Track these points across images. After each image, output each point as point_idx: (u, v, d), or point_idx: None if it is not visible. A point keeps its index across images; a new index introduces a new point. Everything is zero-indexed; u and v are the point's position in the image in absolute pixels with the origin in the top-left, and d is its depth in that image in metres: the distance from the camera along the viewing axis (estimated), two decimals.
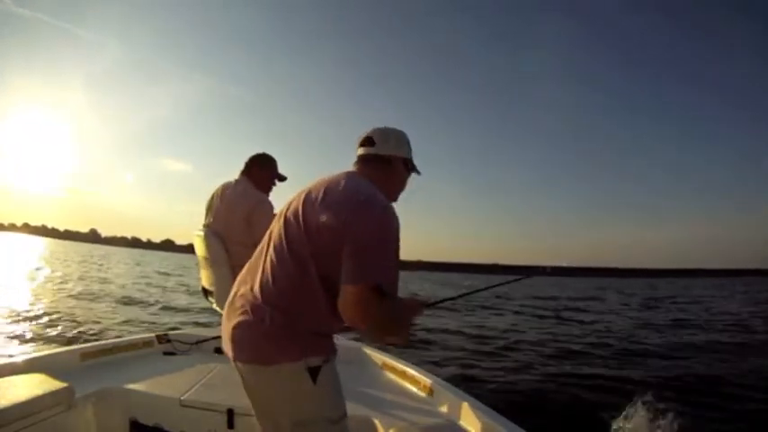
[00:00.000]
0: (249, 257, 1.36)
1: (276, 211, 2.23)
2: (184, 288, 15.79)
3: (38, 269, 19.75)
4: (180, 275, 23.57)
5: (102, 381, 1.95)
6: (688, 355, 7.00)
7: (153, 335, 2.64)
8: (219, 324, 1.34)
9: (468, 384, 4.31)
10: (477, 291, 2.26)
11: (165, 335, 2.68)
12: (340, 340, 1.30)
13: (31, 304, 9.19)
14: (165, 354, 2.53)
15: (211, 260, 2.25)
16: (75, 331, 6.75)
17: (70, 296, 11.11)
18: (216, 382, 2.04)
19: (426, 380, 2.11)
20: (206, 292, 2.44)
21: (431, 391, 2.04)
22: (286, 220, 1.26)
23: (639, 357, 6.83)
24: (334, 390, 1.23)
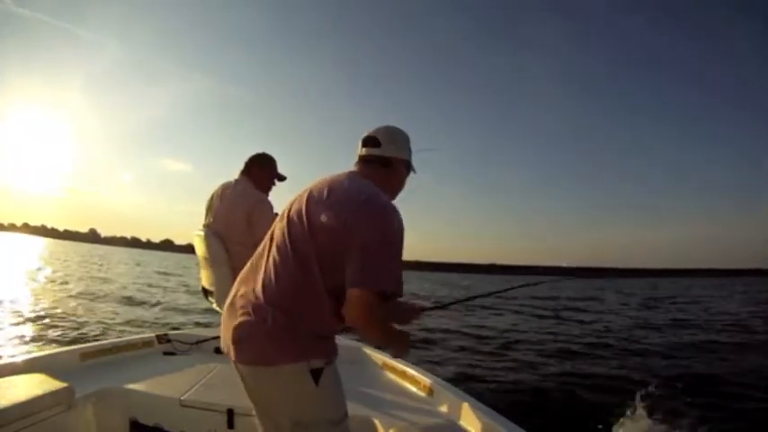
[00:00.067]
0: (249, 257, 1.36)
1: (277, 210, 2.24)
2: (184, 288, 15.78)
3: (38, 269, 19.74)
4: (180, 275, 23.56)
5: (102, 381, 1.94)
6: (688, 355, 7.01)
7: (153, 335, 2.64)
8: (219, 324, 1.33)
9: (468, 384, 4.32)
10: (479, 296, 2.24)
11: (165, 335, 2.68)
12: (340, 340, 1.30)
13: (31, 304, 9.18)
14: (165, 354, 2.53)
15: (211, 260, 2.25)
16: (74, 331, 6.74)
17: (70, 296, 11.11)
18: (216, 382, 2.04)
19: (426, 380, 2.11)
20: (206, 292, 2.44)
21: (431, 391, 2.04)
22: (289, 220, 1.25)
23: (639, 357, 6.84)
24: (336, 391, 1.22)
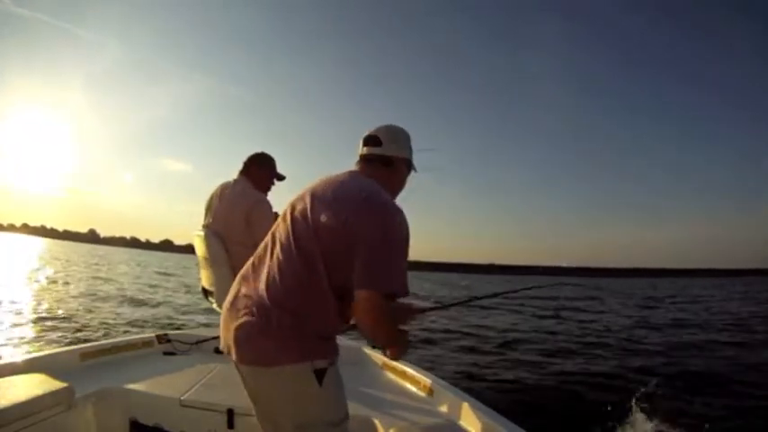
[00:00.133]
0: (249, 257, 1.35)
1: (276, 210, 2.24)
2: (184, 288, 15.78)
3: (37, 270, 19.74)
4: (179, 276, 23.55)
5: (102, 381, 1.94)
6: (687, 354, 7.01)
7: (153, 335, 2.64)
8: (219, 324, 1.33)
9: (468, 384, 4.32)
10: (483, 297, 2.24)
11: (165, 335, 2.68)
12: (340, 341, 1.30)
13: (31, 305, 9.19)
14: (165, 354, 2.53)
15: (211, 260, 2.25)
16: (74, 332, 6.74)
17: (70, 297, 11.11)
18: (216, 382, 2.04)
19: (426, 380, 2.11)
20: (206, 293, 2.44)
21: (431, 391, 2.04)
22: (293, 219, 1.25)
23: (639, 356, 6.84)
24: (338, 392, 1.22)
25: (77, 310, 8.87)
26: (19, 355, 2.03)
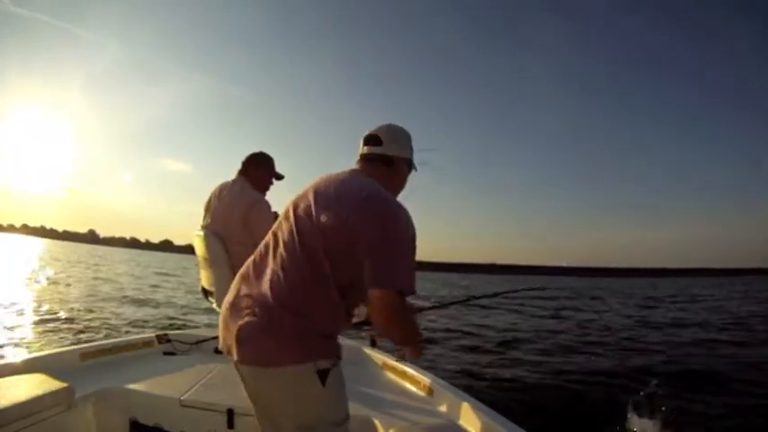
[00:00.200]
0: (249, 257, 1.34)
1: (275, 210, 2.23)
2: (184, 288, 15.77)
3: (37, 270, 19.73)
4: (179, 276, 23.55)
5: (102, 381, 1.94)
6: (687, 353, 7.01)
7: (153, 335, 2.64)
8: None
9: (468, 384, 4.32)
10: (482, 297, 2.24)
11: (165, 335, 2.67)
12: (340, 340, 1.30)
13: (31, 305, 9.19)
14: (165, 354, 2.53)
15: (211, 260, 2.25)
16: (74, 332, 6.75)
17: (70, 297, 11.11)
18: (216, 382, 2.04)
19: (426, 380, 2.11)
20: (206, 293, 2.44)
21: (431, 391, 2.04)
22: (297, 217, 1.24)
23: (639, 355, 6.84)
24: (340, 392, 1.21)
25: (78, 310, 8.87)
26: (19, 355, 2.03)
